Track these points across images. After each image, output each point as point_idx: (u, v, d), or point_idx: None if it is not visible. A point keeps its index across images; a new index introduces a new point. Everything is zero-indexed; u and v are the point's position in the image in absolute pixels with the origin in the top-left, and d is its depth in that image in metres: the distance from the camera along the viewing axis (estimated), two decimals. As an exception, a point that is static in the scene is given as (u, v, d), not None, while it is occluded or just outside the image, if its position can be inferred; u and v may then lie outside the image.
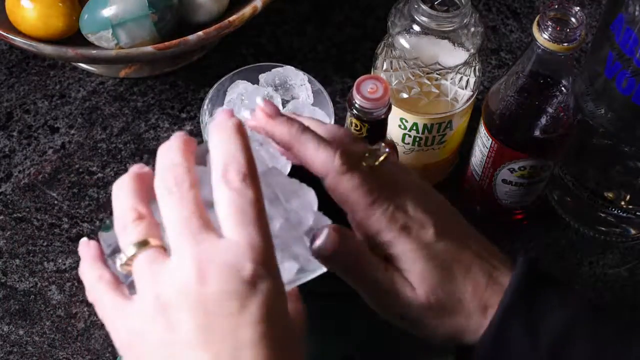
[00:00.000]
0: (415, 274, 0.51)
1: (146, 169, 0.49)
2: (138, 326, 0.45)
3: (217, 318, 0.43)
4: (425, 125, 0.72)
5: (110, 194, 0.50)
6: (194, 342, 0.43)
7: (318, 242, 0.50)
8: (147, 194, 0.48)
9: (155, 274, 0.44)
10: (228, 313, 0.43)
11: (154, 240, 0.45)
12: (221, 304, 0.43)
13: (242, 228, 0.44)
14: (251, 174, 0.45)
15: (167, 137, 0.82)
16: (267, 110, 0.52)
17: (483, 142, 0.72)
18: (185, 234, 0.44)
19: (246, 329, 0.43)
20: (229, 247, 0.44)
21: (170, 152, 0.47)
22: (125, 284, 0.48)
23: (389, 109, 0.63)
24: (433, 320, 0.52)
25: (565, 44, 0.63)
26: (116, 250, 0.48)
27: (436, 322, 0.53)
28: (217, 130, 0.47)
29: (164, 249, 0.45)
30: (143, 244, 0.45)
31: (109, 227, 0.49)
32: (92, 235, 0.77)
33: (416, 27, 0.68)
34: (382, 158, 0.53)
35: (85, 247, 0.50)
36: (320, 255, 0.50)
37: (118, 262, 0.46)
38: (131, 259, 0.45)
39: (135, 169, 0.49)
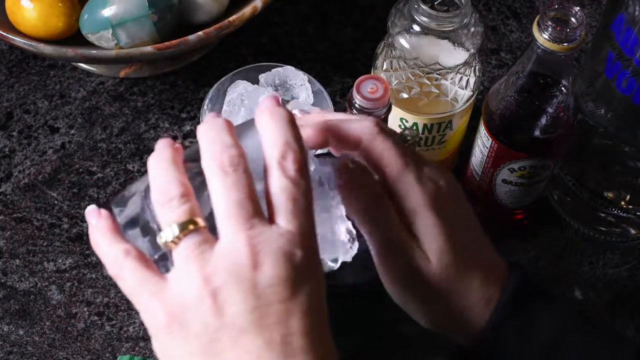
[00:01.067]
0: (433, 248, 0.51)
1: (176, 144, 0.48)
2: (181, 309, 0.44)
3: (269, 304, 0.43)
4: (425, 125, 0.72)
5: (110, 193, 0.50)
6: (245, 326, 0.43)
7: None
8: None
9: (204, 256, 0.44)
10: (280, 299, 0.43)
11: (200, 220, 0.45)
12: (274, 290, 0.43)
13: (294, 217, 0.45)
14: (305, 165, 0.46)
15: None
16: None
17: (483, 142, 0.72)
18: (238, 218, 0.44)
19: (297, 316, 0.43)
20: (282, 234, 0.44)
21: (219, 132, 0.46)
22: (151, 259, 0.47)
23: (389, 109, 0.63)
24: (439, 300, 0.52)
25: (565, 44, 0.63)
26: (134, 223, 0.47)
27: (441, 304, 0.52)
28: (270, 117, 0.47)
29: (208, 230, 0.45)
30: (190, 224, 0.44)
31: (125, 200, 0.48)
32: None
33: (416, 27, 0.68)
34: (410, 141, 0.54)
35: (97, 217, 0.48)
36: (341, 183, 0.50)
37: (160, 239, 0.45)
38: (178, 237, 0.44)
39: (167, 142, 0.48)
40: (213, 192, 0.45)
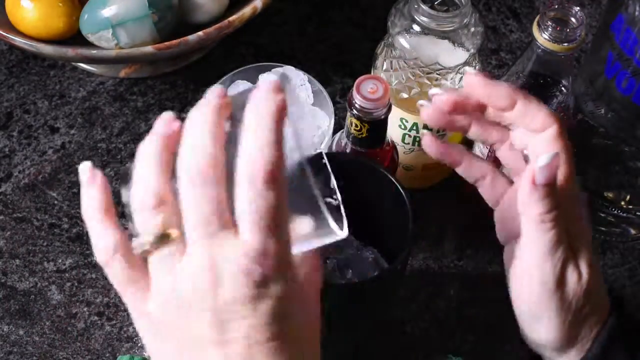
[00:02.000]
0: (586, 261, 0.53)
1: (176, 125, 0.48)
2: (158, 317, 0.45)
3: (229, 320, 0.43)
4: (425, 126, 0.72)
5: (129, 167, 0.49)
6: (207, 340, 0.43)
7: (544, 160, 0.50)
8: (172, 162, 0.46)
9: (172, 269, 0.44)
10: (240, 316, 0.43)
11: (174, 231, 0.44)
12: (234, 307, 0.43)
13: (258, 231, 0.43)
14: (277, 174, 0.43)
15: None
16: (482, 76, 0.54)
17: (483, 142, 0.72)
18: (203, 234, 0.43)
19: (257, 329, 0.43)
20: (244, 251, 0.43)
21: (203, 126, 0.45)
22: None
23: (389, 109, 0.63)
24: (567, 316, 0.53)
25: (565, 44, 0.63)
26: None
27: (567, 321, 0.53)
28: (257, 110, 0.44)
29: (183, 240, 0.44)
30: (165, 237, 0.44)
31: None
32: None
33: (416, 27, 0.68)
34: None
35: (91, 182, 0.49)
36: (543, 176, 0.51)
37: (138, 249, 0.45)
38: (152, 247, 0.44)
39: (163, 127, 0.48)
40: (182, 201, 0.44)
